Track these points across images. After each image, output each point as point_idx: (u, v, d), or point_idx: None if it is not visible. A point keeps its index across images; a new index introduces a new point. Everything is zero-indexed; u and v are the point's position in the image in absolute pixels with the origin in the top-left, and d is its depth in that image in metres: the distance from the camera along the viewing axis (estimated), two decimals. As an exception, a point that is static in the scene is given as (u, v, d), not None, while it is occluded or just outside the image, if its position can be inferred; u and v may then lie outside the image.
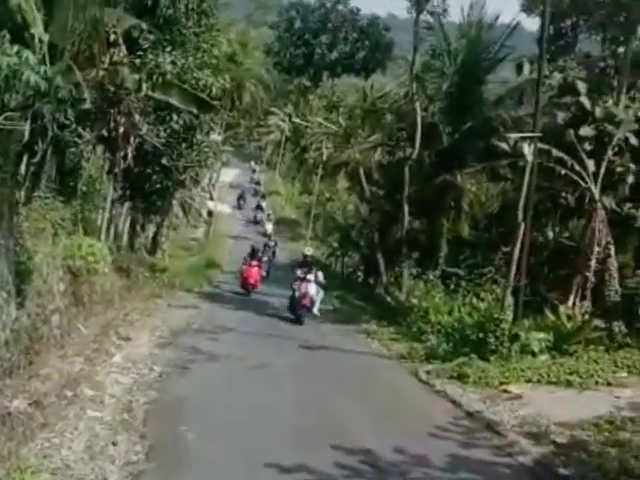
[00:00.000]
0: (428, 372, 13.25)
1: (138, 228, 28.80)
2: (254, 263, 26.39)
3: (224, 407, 9.67)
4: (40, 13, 13.40)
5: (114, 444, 7.85)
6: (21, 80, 9.72)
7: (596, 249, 17.78)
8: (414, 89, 28.00)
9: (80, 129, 16.54)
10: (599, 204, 18.29)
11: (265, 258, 27.50)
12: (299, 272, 20.04)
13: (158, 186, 22.07)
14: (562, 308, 16.57)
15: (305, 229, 48.51)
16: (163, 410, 9.34)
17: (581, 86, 20.37)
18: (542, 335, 14.02)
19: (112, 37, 16.18)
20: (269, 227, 29.29)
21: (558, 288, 20.93)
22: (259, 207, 52.46)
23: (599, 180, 18.55)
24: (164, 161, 21.24)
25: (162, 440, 8.18)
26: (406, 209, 26.48)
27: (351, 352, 15.41)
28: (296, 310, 19.46)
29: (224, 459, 7.79)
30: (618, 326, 15.15)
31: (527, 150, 15.44)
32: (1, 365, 9.00)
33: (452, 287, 19.18)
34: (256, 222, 50.07)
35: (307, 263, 20.46)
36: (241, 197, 57.57)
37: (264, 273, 27.84)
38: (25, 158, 14.33)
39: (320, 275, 20.07)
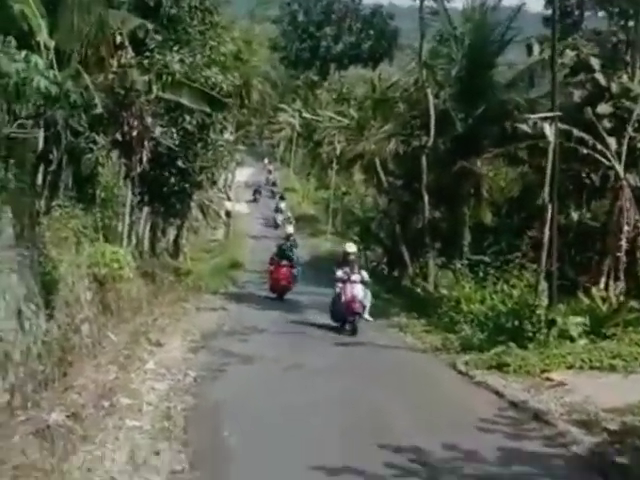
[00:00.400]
0: (466, 363, 12.94)
1: (159, 232, 28.66)
2: (284, 262, 23.50)
3: (263, 410, 9.44)
4: (44, 20, 13.35)
5: (156, 453, 7.64)
6: (31, 86, 9.54)
7: (625, 228, 17.42)
8: (424, 76, 27.68)
9: (94, 135, 16.35)
10: (624, 182, 17.92)
11: (294, 256, 24.15)
12: (340, 273, 17.36)
13: (176, 188, 21.88)
14: (595, 290, 16.27)
15: (324, 225, 48.35)
16: (202, 416, 9.13)
17: (595, 62, 20.05)
18: (579, 319, 13.68)
19: (118, 39, 16.09)
20: (290, 229, 28.85)
21: (587, 270, 20.63)
22: (278, 209, 50.86)
23: (622, 158, 18.19)
24: (180, 163, 21.06)
25: (205, 447, 7.96)
26: (426, 198, 26.17)
27: (386, 347, 15.16)
28: (345, 317, 16.84)
29: (270, 463, 7.56)
30: (655, 305, 14.81)
31: (548, 131, 15.11)
32: (36, 378, 8.82)
33: (481, 275, 18.81)
34: (276, 225, 47.97)
35: (350, 261, 17.75)
36: (257, 191, 59.37)
37: (295, 272, 24.05)
38: (41, 167, 14.23)
39: (365, 274, 17.50)
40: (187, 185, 22.51)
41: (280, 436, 8.39)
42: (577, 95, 20.22)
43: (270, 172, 65.69)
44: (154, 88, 17.23)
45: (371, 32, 55.21)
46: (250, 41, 52.61)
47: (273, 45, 61.14)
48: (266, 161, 68.35)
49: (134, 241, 22.66)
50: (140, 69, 17.03)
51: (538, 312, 13.56)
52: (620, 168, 18.45)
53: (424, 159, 26.50)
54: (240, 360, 12.61)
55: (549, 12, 24.10)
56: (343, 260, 18.00)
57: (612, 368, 11.67)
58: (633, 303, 15.02)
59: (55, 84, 10.60)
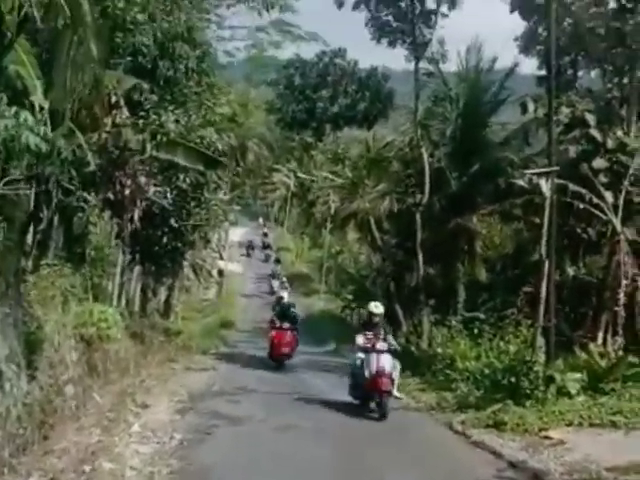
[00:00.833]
0: (462, 422, 12.58)
1: (150, 292, 28.43)
2: (286, 325, 21.25)
3: (251, 474, 9.06)
4: (40, 80, 13.40)
5: (138, 521, 7.29)
6: (20, 142, 9.47)
7: (624, 282, 17.27)
8: (419, 135, 27.94)
9: (85, 194, 16.28)
10: (622, 236, 17.84)
11: (296, 317, 22.10)
12: (361, 339, 14.15)
13: (168, 248, 21.76)
14: (593, 346, 16.02)
15: (318, 284, 48.16)
16: (187, 480, 8.76)
17: (590, 118, 20.21)
18: (578, 375, 13.39)
19: (113, 99, 16.13)
20: (285, 294, 28.59)
21: (582, 326, 20.43)
22: (274, 275, 47.80)
23: (619, 212, 18.17)
24: (172, 222, 20.97)
25: (189, 514, 7.60)
26: (420, 256, 26.08)
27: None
28: (369, 395, 13.76)
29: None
30: (654, 360, 14.54)
31: (545, 186, 15.07)
32: (14, 441, 8.49)
33: (476, 332, 18.54)
34: (272, 292, 43.50)
35: (374, 325, 14.43)
36: (250, 246, 60.11)
37: (297, 336, 21.77)
38: (31, 226, 14.11)
39: (393, 341, 14.43)
40: (180, 244, 22.40)
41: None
42: (572, 151, 20.39)
43: (266, 235, 64.36)
44: (148, 147, 17.19)
45: (366, 93, 56.02)
46: (246, 104, 53.41)
47: (269, 107, 61.96)
48: (260, 221, 68.55)
49: (124, 301, 22.44)
50: (135, 129, 17.04)
51: (535, 369, 13.27)
52: (617, 222, 18.43)
53: (418, 217, 26.53)
54: (229, 422, 12.22)
55: (542, 72, 24.38)
56: (366, 323, 14.89)
57: (613, 425, 11.37)
58: (632, 358, 14.76)
59: (46, 141, 10.54)
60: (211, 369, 19.80)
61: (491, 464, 10.00)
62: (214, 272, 42.24)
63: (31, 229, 14.15)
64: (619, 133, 20.07)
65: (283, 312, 21.90)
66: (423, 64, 29.45)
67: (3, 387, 8.59)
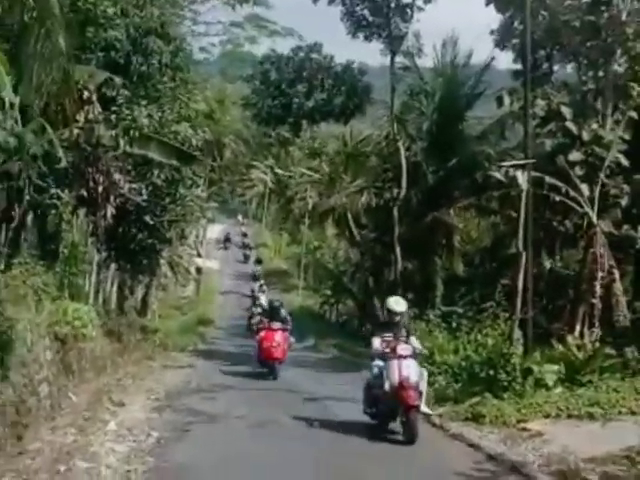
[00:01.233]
0: (441, 415, 12.56)
1: (126, 290, 28.19)
2: (276, 326, 18.43)
3: (228, 471, 8.95)
4: (9, 76, 13.18)
5: (112, 521, 7.17)
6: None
7: (600, 274, 17.36)
8: (395, 129, 27.96)
9: (59, 191, 16.07)
10: (598, 228, 17.93)
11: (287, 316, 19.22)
12: (378, 343, 11.56)
13: (143, 245, 21.54)
14: (570, 338, 16.09)
15: (296, 279, 48.12)
16: (163, 479, 8.63)
17: (566, 111, 20.29)
18: (555, 367, 13.42)
19: (85, 94, 15.93)
20: (262, 298, 28.66)
21: (559, 318, 20.56)
22: (255, 276, 44.02)
23: (595, 204, 18.27)
24: (147, 218, 20.74)
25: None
26: (398, 250, 26.13)
27: (358, 401, 14.68)
28: (392, 413, 11.19)
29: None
30: (631, 352, 14.63)
31: (521, 178, 15.10)
32: (-15, 443, 8.35)
33: (454, 325, 18.56)
34: (253, 297, 39.16)
35: (395, 325, 11.76)
36: (227, 239, 60.37)
37: (292, 339, 19.29)
38: (3, 224, 13.91)
39: (416, 342, 11.69)
40: (155, 241, 22.17)
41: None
42: (548, 144, 20.47)
43: (245, 235, 63.07)
44: (121, 143, 17.04)
45: (343, 88, 56.03)
46: (222, 100, 53.07)
47: (245, 103, 61.68)
48: (240, 218, 68.05)
49: (101, 299, 22.22)
50: (107, 124, 16.86)
51: (513, 361, 13.27)
52: (593, 214, 18.52)
53: (396, 211, 26.58)
54: (206, 419, 12.11)
55: (518, 66, 24.46)
56: (385, 323, 12.20)
57: (590, 416, 11.37)
58: (608, 350, 14.83)
59: (14, 136, 10.36)
60: (188, 366, 19.67)
61: (469, 456, 9.97)
62: (192, 269, 42.02)
63: (3, 227, 13.96)
64: (594, 126, 20.18)
65: (272, 310, 19.16)
66: (399, 58, 29.55)
67: (-27, 388, 8.43)
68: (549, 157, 19.71)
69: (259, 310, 28.87)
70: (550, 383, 13.09)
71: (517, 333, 14.23)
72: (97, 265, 21.18)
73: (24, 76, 13.55)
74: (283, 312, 18.98)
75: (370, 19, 29.17)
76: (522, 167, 15.32)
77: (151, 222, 20.93)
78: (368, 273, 29.65)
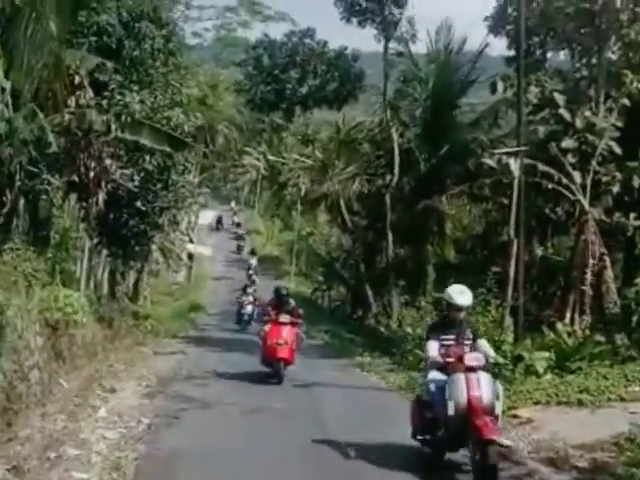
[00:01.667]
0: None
1: (118, 276, 28.12)
2: (283, 319, 15.38)
3: (220, 458, 8.96)
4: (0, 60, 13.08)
5: (102, 507, 7.18)
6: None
7: (591, 261, 17.41)
8: (388, 116, 27.88)
9: (50, 177, 15.99)
10: (590, 216, 17.97)
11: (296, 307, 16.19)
12: (435, 350, 8.78)
13: (135, 231, 21.44)
14: (560, 325, 16.14)
15: (289, 266, 48.09)
16: (154, 465, 8.61)
17: (559, 98, 20.24)
18: (545, 354, 13.48)
19: (77, 79, 15.83)
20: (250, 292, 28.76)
21: (549, 305, 20.63)
22: (250, 268, 40.79)
23: (587, 191, 18.30)
24: (139, 204, 20.63)
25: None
26: (390, 237, 26.15)
27: (349, 387, 14.80)
28: (456, 445, 8.56)
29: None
30: (621, 339, 14.71)
31: (514, 165, 15.12)
32: (-25, 430, 8.33)
33: (445, 312, 18.57)
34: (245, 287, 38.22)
35: (458, 323, 8.98)
36: (219, 221, 61.73)
37: (303, 336, 16.49)
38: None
39: (487, 347, 8.98)
40: (147, 227, 22.06)
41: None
42: (541, 131, 20.44)
43: (239, 225, 61.98)
44: (113, 128, 16.91)
45: (336, 74, 55.78)
46: (216, 85, 52.81)
47: (238, 88, 61.38)
48: (233, 204, 67.77)
49: (92, 285, 22.16)
50: (99, 109, 16.75)
51: (504, 348, 13.36)
52: (585, 201, 18.56)
53: (388, 198, 26.56)
54: (197, 405, 12.12)
55: (512, 53, 24.36)
56: (444, 321, 9.31)
57: (580, 403, 11.42)
58: (598, 337, 14.91)
59: (5, 121, 10.28)
60: (180, 353, 19.67)
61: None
62: (184, 255, 41.92)
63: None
64: (587, 113, 20.14)
65: (280, 298, 15.94)
66: (393, 44, 29.39)
67: (-37, 374, 8.40)
68: (542, 144, 19.69)
69: (250, 299, 28.83)
70: (540, 370, 13.16)
71: (508, 320, 14.31)
72: (88, 251, 21.14)
73: (15, 61, 13.46)
74: (292, 302, 16.04)
75: (363, 4, 29.01)
76: (515, 154, 15.35)
77: (143, 208, 20.82)
78: (360, 259, 29.64)
